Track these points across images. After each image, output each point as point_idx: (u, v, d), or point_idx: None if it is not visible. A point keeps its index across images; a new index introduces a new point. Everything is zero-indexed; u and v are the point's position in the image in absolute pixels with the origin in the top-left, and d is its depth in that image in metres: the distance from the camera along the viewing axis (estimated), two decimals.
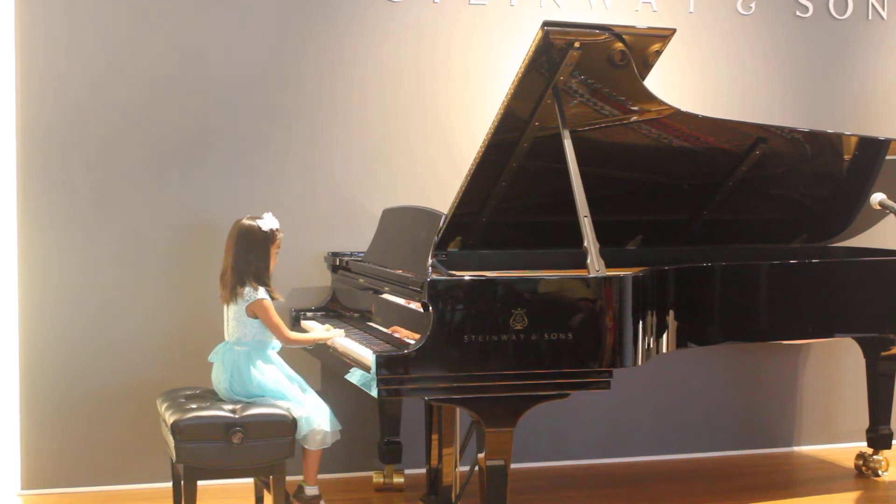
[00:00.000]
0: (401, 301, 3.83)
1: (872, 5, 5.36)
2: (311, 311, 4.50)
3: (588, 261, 3.63)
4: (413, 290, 3.60)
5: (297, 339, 3.97)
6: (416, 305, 3.66)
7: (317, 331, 4.13)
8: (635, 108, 4.10)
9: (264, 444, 3.63)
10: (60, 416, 4.44)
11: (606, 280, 3.56)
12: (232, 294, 3.89)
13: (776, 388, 5.33)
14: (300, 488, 3.95)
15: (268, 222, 3.95)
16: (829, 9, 5.29)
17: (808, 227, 4.93)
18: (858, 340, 4.88)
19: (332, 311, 4.50)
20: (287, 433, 3.67)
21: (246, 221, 3.95)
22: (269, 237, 3.94)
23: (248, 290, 3.86)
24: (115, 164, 4.47)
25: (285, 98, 4.64)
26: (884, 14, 5.37)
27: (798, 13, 5.26)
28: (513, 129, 4.00)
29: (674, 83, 4.91)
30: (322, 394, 3.99)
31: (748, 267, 4.18)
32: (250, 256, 3.90)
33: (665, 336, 3.87)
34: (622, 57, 3.86)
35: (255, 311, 3.86)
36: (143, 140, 4.49)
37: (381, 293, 4.03)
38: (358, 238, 4.60)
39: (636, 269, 3.72)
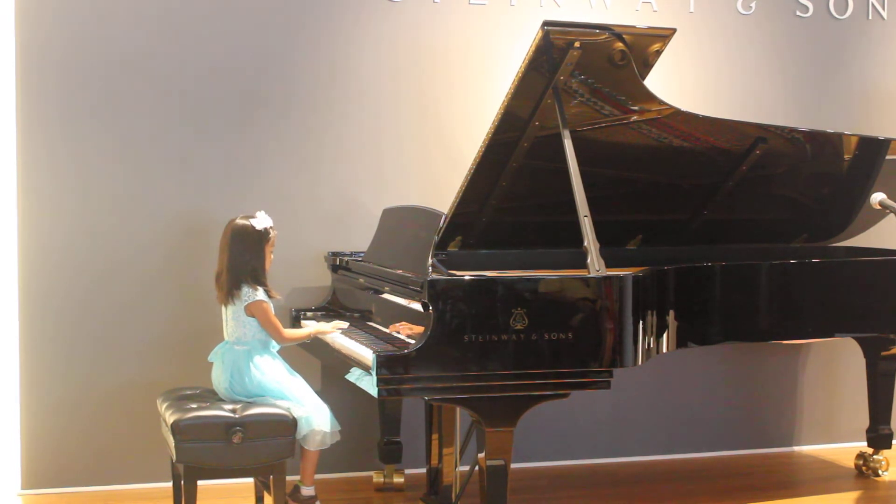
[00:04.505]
0: (401, 301, 3.83)
1: (872, 5, 5.36)
2: (311, 310, 4.49)
3: (588, 261, 3.63)
4: (413, 289, 3.60)
5: (293, 336, 3.97)
6: (416, 305, 3.66)
7: (311, 325, 4.13)
8: (635, 108, 4.10)
9: (264, 444, 3.63)
10: (60, 416, 4.44)
11: (606, 280, 3.56)
12: (229, 295, 3.89)
13: (776, 388, 5.33)
14: (296, 488, 3.95)
15: (261, 221, 3.94)
16: (829, 9, 5.29)
17: (808, 227, 4.93)
18: (858, 340, 4.88)
19: (332, 310, 4.50)
20: (287, 433, 3.67)
21: (239, 221, 3.94)
22: (263, 236, 3.93)
23: (246, 290, 3.86)
24: (115, 164, 4.47)
25: (285, 97, 4.64)
26: (884, 14, 5.37)
27: (798, 13, 5.26)
28: (513, 129, 4.00)
29: (674, 83, 4.91)
30: (322, 394, 3.99)
31: (748, 267, 4.18)
32: (246, 256, 3.89)
33: (665, 336, 3.87)
34: (622, 57, 3.86)
35: (253, 311, 3.86)
36: (141, 140, 4.49)
37: (382, 293, 4.03)
38: (358, 238, 4.60)
39: (636, 269, 3.72)
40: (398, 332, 3.81)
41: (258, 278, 3.89)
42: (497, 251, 4.46)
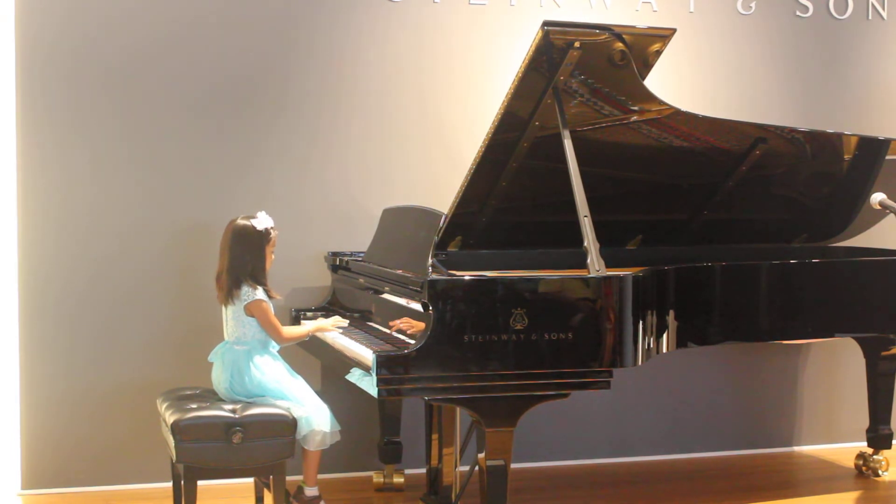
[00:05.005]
0: (401, 301, 3.83)
1: (872, 5, 5.36)
2: (311, 310, 4.49)
3: (588, 261, 3.63)
4: (413, 289, 3.60)
5: (292, 336, 3.97)
6: (416, 305, 3.66)
7: (310, 324, 4.13)
8: (635, 108, 4.10)
9: (264, 444, 3.63)
10: (60, 416, 4.44)
11: (606, 280, 3.56)
12: (229, 295, 3.89)
13: (776, 388, 5.33)
14: (300, 489, 3.95)
15: (262, 221, 3.94)
16: (829, 9, 5.29)
17: (808, 227, 4.93)
18: (858, 340, 4.88)
19: (332, 310, 4.50)
20: (287, 433, 3.67)
21: (240, 221, 3.94)
22: (263, 236, 3.93)
23: (245, 289, 3.86)
24: (114, 164, 4.47)
25: (285, 97, 4.64)
26: (884, 14, 5.37)
27: (798, 13, 5.26)
28: (513, 129, 4.00)
29: (674, 83, 4.91)
30: (322, 394, 3.99)
31: (748, 267, 4.18)
32: (246, 257, 3.89)
33: (665, 336, 3.87)
34: (622, 57, 3.86)
35: (252, 311, 3.86)
36: (141, 140, 4.49)
37: (382, 293, 4.03)
38: (358, 238, 4.60)
39: (636, 269, 3.72)
40: (399, 330, 3.80)
41: (258, 278, 3.89)
42: (497, 251, 4.46)
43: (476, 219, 4.32)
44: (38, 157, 4.39)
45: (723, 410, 5.25)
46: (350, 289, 4.40)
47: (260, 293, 3.87)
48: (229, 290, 3.88)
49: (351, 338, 3.91)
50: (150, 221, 4.50)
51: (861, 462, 4.93)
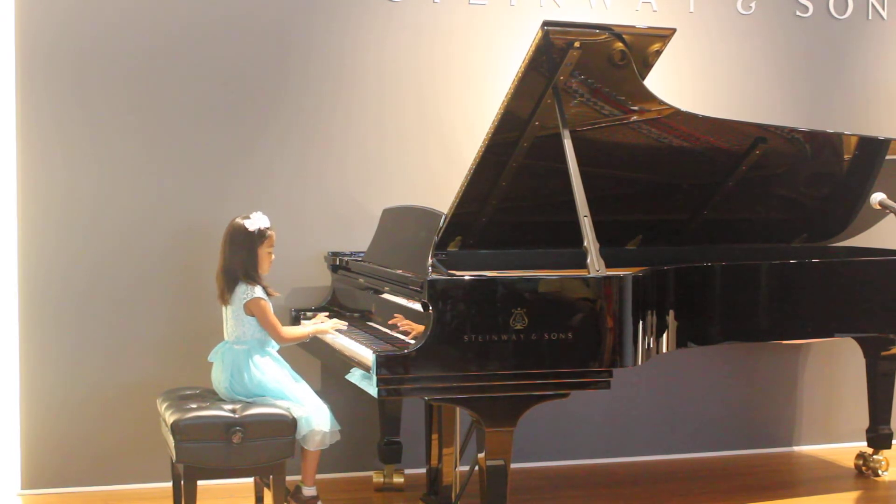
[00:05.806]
0: (401, 301, 3.83)
1: (872, 5, 5.36)
2: (311, 310, 4.49)
3: (588, 261, 3.63)
4: (413, 289, 3.61)
5: (291, 335, 3.97)
6: (416, 305, 3.66)
7: (308, 324, 4.13)
8: (635, 108, 4.10)
9: (264, 444, 3.63)
10: (60, 416, 4.43)
11: (606, 280, 3.56)
12: (225, 295, 3.89)
13: (776, 388, 5.33)
14: (298, 489, 3.95)
15: (254, 222, 3.94)
16: (829, 9, 5.29)
17: (808, 227, 4.93)
18: (858, 340, 4.88)
19: (332, 310, 4.50)
20: (287, 433, 3.67)
21: (236, 221, 3.95)
22: (254, 237, 3.92)
23: (243, 288, 3.86)
24: (114, 163, 4.47)
25: (285, 97, 4.64)
26: (884, 14, 5.38)
27: (798, 13, 5.26)
28: (513, 129, 4.00)
29: (674, 83, 4.91)
30: (322, 394, 3.99)
31: (748, 267, 4.18)
32: (237, 257, 3.90)
33: (665, 336, 3.87)
34: (622, 57, 3.86)
35: (251, 309, 3.87)
36: (142, 139, 4.49)
37: (382, 293, 4.03)
38: (358, 238, 4.61)
39: (636, 269, 3.72)
40: (398, 330, 3.80)
41: (252, 277, 3.89)
42: (497, 251, 4.46)
43: (476, 219, 4.32)
44: (38, 157, 4.39)
45: (723, 410, 5.25)
46: (350, 289, 4.40)
47: (258, 291, 3.87)
48: (225, 288, 3.89)
49: (351, 338, 3.91)
50: (150, 221, 4.50)
51: (861, 462, 4.93)
